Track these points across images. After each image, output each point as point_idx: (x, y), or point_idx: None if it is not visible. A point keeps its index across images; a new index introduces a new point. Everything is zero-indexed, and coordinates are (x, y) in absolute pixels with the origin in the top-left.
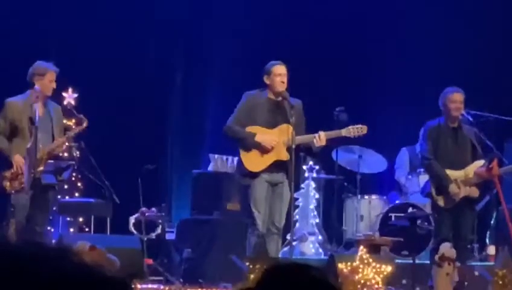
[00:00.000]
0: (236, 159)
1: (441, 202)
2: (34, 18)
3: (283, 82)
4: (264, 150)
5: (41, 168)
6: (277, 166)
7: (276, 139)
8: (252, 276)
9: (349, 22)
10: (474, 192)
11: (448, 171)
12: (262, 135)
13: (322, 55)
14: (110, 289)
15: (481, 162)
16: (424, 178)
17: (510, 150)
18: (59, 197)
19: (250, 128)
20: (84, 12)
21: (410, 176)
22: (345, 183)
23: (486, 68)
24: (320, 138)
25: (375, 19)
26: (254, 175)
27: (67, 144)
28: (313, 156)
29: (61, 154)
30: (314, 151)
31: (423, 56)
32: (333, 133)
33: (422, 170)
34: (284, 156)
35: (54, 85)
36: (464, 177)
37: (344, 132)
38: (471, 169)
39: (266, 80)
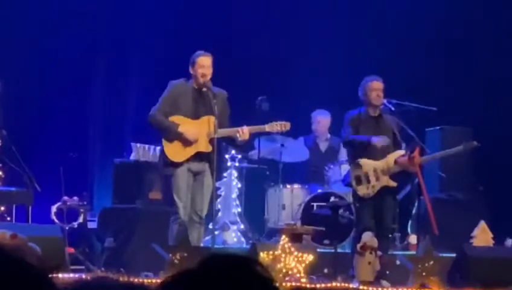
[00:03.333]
0: (158, 148)
1: (360, 191)
2: None
3: (205, 74)
4: (186, 141)
5: None
6: (199, 156)
7: (199, 131)
8: (173, 265)
9: (270, 10)
10: (392, 182)
11: (370, 161)
12: (185, 125)
13: (242, 44)
14: (28, 276)
15: (402, 151)
16: (345, 167)
17: (431, 139)
18: None
19: (173, 119)
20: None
21: (332, 165)
22: (267, 173)
23: (405, 57)
24: (243, 132)
25: (296, 6)
26: (176, 165)
27: None
28: (236, 148)
29: None
30: (238, 144)
31: (342, 45)
32: (257, 128)
33: (344, 159)
34: (206, 147)
35: None
36: (385, 167)
37: (268, 128)
38: (392, 158)
39: (191, 70)
